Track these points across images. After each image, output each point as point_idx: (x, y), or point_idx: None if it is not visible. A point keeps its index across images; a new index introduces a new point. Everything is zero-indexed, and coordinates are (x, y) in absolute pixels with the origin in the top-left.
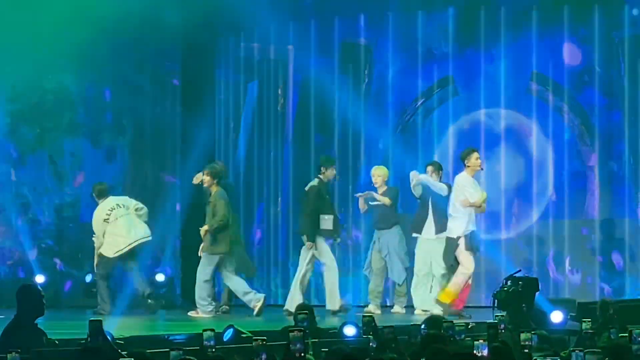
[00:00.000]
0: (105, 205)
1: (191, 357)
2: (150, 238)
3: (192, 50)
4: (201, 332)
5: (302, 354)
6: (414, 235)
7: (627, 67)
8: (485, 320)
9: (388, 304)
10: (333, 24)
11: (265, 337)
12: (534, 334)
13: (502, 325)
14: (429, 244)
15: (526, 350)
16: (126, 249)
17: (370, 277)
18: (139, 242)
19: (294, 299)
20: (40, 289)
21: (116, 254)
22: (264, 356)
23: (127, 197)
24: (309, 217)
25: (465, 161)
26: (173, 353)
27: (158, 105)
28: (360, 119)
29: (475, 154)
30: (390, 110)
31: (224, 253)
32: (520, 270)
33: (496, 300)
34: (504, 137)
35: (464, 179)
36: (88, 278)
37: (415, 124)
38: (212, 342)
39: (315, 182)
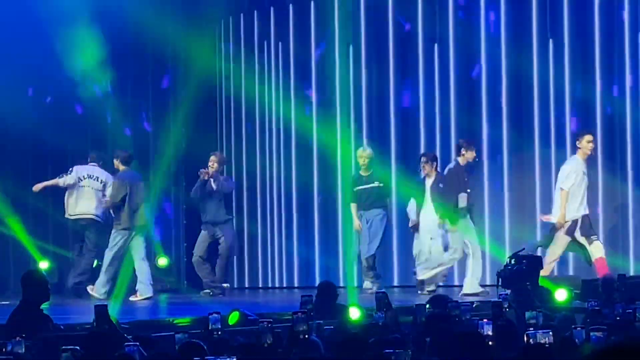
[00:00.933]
0: (89, 171)
1: (196, 340)
2: (92, 217)
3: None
4: (207, 315)
5: (306, 336)
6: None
7: None
8: (490, 299)
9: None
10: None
11: (271, 319)
12: (538, 312)
13: (507, 304)
14: (429, 224)
15: (531, 329)
16: (70, 218)
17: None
18: (80, 216)
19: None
20: (45, 275)
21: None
22: (269, 338)
23: (106, 176)
24: (447, 201)
25: (577, 142)
26: (178, 336)
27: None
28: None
29: (587, 137)
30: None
31: (125, 229)
32: (524, 249)
33: (500, 279)
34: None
35: (570, 162)
36: (94, 263)
37: None
38: (217, 325)
39: (452, 164)
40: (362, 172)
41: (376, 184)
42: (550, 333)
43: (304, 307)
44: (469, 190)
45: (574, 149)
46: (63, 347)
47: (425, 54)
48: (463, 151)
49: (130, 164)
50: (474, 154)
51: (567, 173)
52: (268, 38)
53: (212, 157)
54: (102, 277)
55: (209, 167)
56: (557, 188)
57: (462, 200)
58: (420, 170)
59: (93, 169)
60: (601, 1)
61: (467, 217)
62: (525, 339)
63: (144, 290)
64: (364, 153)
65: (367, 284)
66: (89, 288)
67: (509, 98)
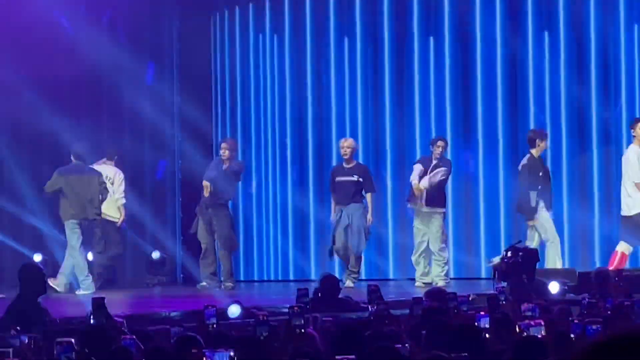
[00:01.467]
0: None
1: (192, 334)
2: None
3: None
4: (202, 309)
5: (303, 330)
6: (409, 206)
7: None
8: (486, 292)
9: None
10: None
11: (266, 312)
12: (535, 304)
13: (503, 297)
14: (423, 216)
15: (527, 321)
16: None
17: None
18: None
19: None
20: (42, 268)
21: None
22: (265, 331)
23: (115, 172)
24: (523, 195)
25: (632, 131)
26: (173, 329)
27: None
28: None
29: None
30: None
31: (69, 220)
32: (520, 241)
33: (496, 272)
34: None
35: (628, 152)
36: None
37: None
38: (213, 319)
39: (525, 159)
40: (344, 164)
41: (355, 177)
42: (543, 324)
43: (300, 300)
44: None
45: (629, 136)
46: (58, 339)
47: (420, 46)
48: (538, 142)
49: (81, 158)
50: (545, 144)
51: (631, 164)
52: (263, 31)
53: (223, 145)
54: (80, 277)
55: (221, 155)
56: (625, 182)
57: (532, 198)
58: (432, 151)
59: (104, 167)
60: None
61: (541, 211)
62: (517, 331)
63: (60, 282)
64: (345, 143)
65: (348, 282)
66: (77, 291)
67: (503, 83)
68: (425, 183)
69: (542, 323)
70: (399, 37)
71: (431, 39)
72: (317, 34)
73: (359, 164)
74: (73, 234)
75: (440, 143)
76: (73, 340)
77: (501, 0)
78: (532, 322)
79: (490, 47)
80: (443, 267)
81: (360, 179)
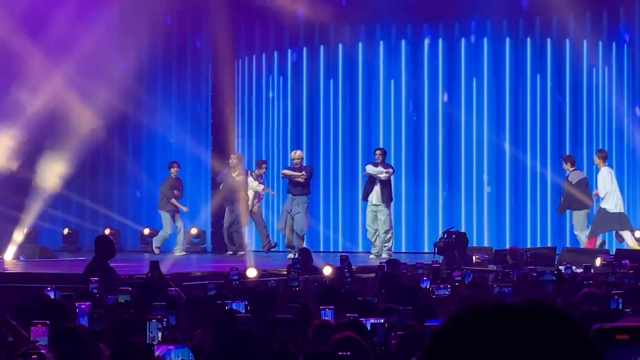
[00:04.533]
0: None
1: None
2: None
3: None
4: (228, 270)
5: (298, 288)
6: (364, 201)
7: None
8: (429, 263)
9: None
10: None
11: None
12: (463, 272)
13: (441, 266)
14: (375, 208)
15: (457, 284)
16: None
17: (286, 233)
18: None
19: None
20: (112, 239)
21: None
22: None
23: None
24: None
25: None
26: (209, 285)
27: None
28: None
29: None
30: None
31: None
32: (453, 227)
33: (436, 248)
34: None
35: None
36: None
37: None
38: (235, 277)
39: (583, 175)
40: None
41: (303, 173)
42: (449, 287)
43: (294, 266)
44: None
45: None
46: (120, 287)
47: (364, 107)
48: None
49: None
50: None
51: None
52: (272, 73)
53: (233, 157)
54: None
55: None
56: None
57: None
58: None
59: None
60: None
61: None
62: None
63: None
64: (296, 154)
65: (290, 255)
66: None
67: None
68: (372, 169)
69: (449, 286)
70: (370, 79)
71: (392, 81)
72: (311, 76)
73: (306, 166)
74: None
75: (377, 152)
76: (130, 288)
77: (443, 55)
78: (441, 286)
79: (434, 88)
80: (388, 245)
81: (305, 176)
